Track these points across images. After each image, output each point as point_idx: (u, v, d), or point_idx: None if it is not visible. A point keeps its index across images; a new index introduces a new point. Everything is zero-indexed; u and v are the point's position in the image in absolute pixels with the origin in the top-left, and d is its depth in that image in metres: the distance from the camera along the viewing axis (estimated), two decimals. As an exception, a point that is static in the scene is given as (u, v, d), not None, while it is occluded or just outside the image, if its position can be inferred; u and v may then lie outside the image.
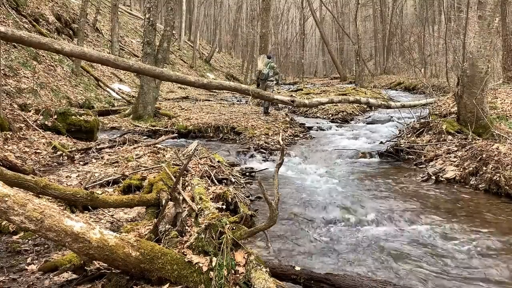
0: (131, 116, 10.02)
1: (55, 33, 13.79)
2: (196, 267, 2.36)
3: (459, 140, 6.49)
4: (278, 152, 7.26)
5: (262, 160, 7.03)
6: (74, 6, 17.30)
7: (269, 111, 10.81)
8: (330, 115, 12.05)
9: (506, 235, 3.74)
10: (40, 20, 13.15)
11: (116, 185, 4.60)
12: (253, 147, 7.67)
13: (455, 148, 6.27)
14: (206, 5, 39.78)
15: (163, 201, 3.38)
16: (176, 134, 8.13)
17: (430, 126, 7.45)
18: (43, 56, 11.15)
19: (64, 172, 5.13)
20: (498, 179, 4.90)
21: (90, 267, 2.69)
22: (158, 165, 5.01)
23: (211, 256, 2.41)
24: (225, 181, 4.92)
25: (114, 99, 12.97)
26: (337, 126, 10.64)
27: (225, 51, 45.57)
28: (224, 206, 3.83)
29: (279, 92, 17.17)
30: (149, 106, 9.98)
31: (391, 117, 10.90)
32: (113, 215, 3.91)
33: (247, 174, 5.95)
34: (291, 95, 13.89)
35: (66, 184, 4.56)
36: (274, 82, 10.52)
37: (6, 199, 2.22)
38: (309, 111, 12.82)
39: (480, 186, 5.16)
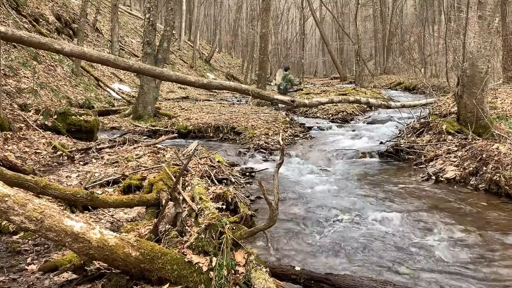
0: (131, 116, 10.02)
1: (55, 33, 13.79)
2: (196, 267, 2.36)
3: (459, 140, 6.49)
4: (278, 152, 7.27)
5: (262, 160, 7.03)
6: (74, 6, 17.30)
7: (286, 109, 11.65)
8: (330, 115, 12.05)
9: (506, 235, 3.74)
10: (40, 20, 13.15)
11: (116, 185, 4.60)
12: (253, 147, 7.67)
13: (455, 148, 6.27)
14: (206, 5, 39.80)
15: (163, 201, 3.39)
16: (176, 134, 8.13)
17: (430, 126, 7.45)
18: (43, 56, 11.15)
19: (64, 172, 5.13)
20: (498, 179, 4.90)
21: (90, 267, 2.69)
22: (158, 165, 5.02)
23: (211, 256, 2.41)
24: (225, 181, 4.92)
25: (114, 99, 12.96)
26: (337, 126, 10.64)
27: (225, 51, 45.56)
28: (224, 206, 3.83)
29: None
30: (149, 106, 9.98)
31: (391, 117, 10.90)
32: (113, 215, 3.91)
33: (247, 174, 5.95)
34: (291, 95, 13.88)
35: (66, 184, 4.56)
36: (294, 90, 11.62)
37: (6, 199, 2.22)
38: (309, 111, 12.82)
39: (480, 186, 5.16)
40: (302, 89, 20.04)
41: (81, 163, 5.64)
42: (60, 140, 6.74)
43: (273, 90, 11.98)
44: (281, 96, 10.52)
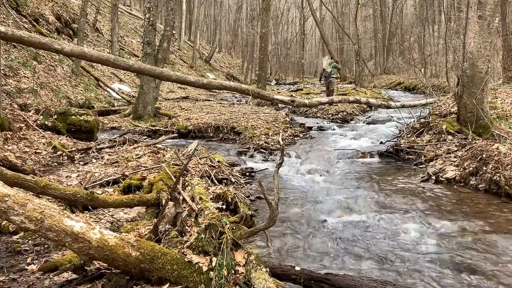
0: (131, 116, 10.02)
1: (55, 33, 13.79)
2: (196, 267, 2.36)
3: (459, 140, 6.49)
4: (278, 152, 7.26)
5: (262, 160, 7.03)
6: (74, 6, 17.30)
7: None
8: (330, 115, 12.04)
9: (506, 235, 3.74)
10: (40, 20, 13.15)
11: (116, 185, 4.60)
12: (253, 147, 7.66)
13: (455, 148, 6.27)
14: (206, 5, 39.78)
15: (163, 201, 3.39)
16: (176, 134, 8.13)
17: (430, 126, 7.45)
18: (43, 56, 11.14)
19: (64, 172, 5.13)
20: (498, 179, 4.90)
21: (90, 267, 2.69)
22: (158, 165, 5.02)
23: (211, 256, 2.41)
24: (225, 181, 4.92)
25: (114, 99, 12.96)
26: (337, 126, 10.64)
27: (225, 51, 45.56)
28: (224, 206, 3.84)
29: (279, 92, 17.22)
30: (149, 106, 9.98)
31: (391, 117, 10.89)
32: (113, 215, 3.91)
33: (247, 174, 5.95)
34: (291, 95, 13.89)
35: (66, 184, 4.56)
36: (335, 77, 13.46)
37: (6, 199, 2.22)
38: (309, 111, 12.82)
39: (480, 186, 5.15)
40: (302, 89, 20.09)
41: (81, 163, 5.64)
42: (60, 140, 6.74)
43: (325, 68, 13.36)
44: (281, 96, 10.54)
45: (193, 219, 3.07)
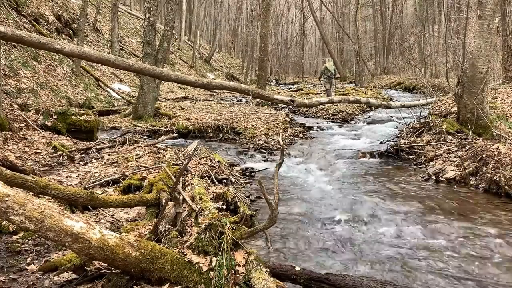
0: (131, 116, 10.01)
1: (55, 33, 13.78)
2: (196, 267, 2.36)
3: (459, 140, 6.49)
4: (278, 152, 7.26)
5: (262, 160, 7.03)
6: (74, 6, 17.29)
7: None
8: (330, 115, 12.05)
9: (506, 235, 3.74)
10: (40, 20, 13.14)
11: (116, 185, 4.60)
12: (253, 147, 7.66)
13: (455, 148, 6.27)
14: (206, 5, 39.77)
15: (163, 201, 3.38)
16: (176, 134, 8.12)
17: (430, 126, 7.45)
18: (43, 56, 11.14)
19: (64, 172, 5.13)
20: (498, 179, 4.90)
21: (90, 267, 2.69)
22: (158, 165, 5.02)
23: (211, 256, 2.41)
24: (225, 181, 4.92)
25: (114, 99, 12.96)
26: (337, 126, 10.64)
27: (225, 51, 45.57)
28: (224, 206, 3.83)
29: (279, 92, 17.23)
30: (149, 106, 9.98)
31: (391, 117, 10.89)
32: (113, 215, 3.91)
33: (247, 174, 5.95)
34: (291, 95, 13.90)
35: (66, 184, 4.56)
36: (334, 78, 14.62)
37: (6, 199, 2.22)
38: (309, 111, 12.82)
39: (480, 186, 5.16)
40: (302, 89, 20.10)
41: (81, 163, 5.64)
42: (60, 140, 6.73)
43: (324, 75, 13.97)
44: (281, 96, 10.54)
45: (193, 219, 3.07)
